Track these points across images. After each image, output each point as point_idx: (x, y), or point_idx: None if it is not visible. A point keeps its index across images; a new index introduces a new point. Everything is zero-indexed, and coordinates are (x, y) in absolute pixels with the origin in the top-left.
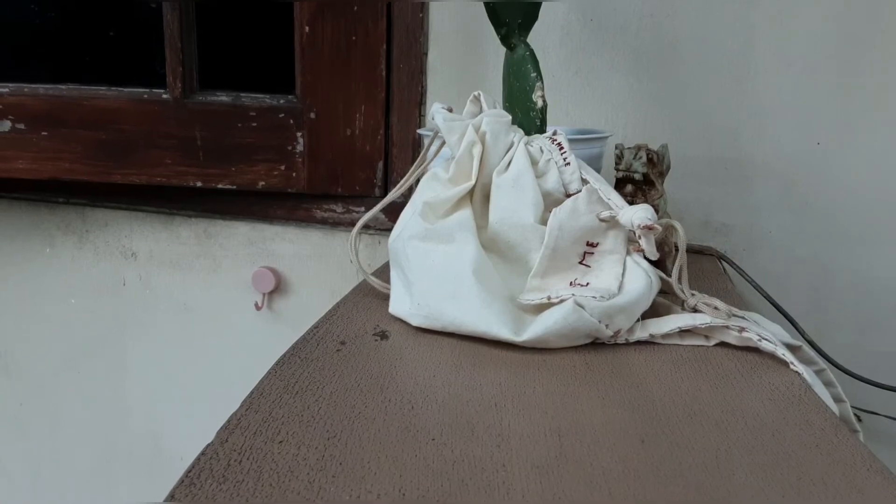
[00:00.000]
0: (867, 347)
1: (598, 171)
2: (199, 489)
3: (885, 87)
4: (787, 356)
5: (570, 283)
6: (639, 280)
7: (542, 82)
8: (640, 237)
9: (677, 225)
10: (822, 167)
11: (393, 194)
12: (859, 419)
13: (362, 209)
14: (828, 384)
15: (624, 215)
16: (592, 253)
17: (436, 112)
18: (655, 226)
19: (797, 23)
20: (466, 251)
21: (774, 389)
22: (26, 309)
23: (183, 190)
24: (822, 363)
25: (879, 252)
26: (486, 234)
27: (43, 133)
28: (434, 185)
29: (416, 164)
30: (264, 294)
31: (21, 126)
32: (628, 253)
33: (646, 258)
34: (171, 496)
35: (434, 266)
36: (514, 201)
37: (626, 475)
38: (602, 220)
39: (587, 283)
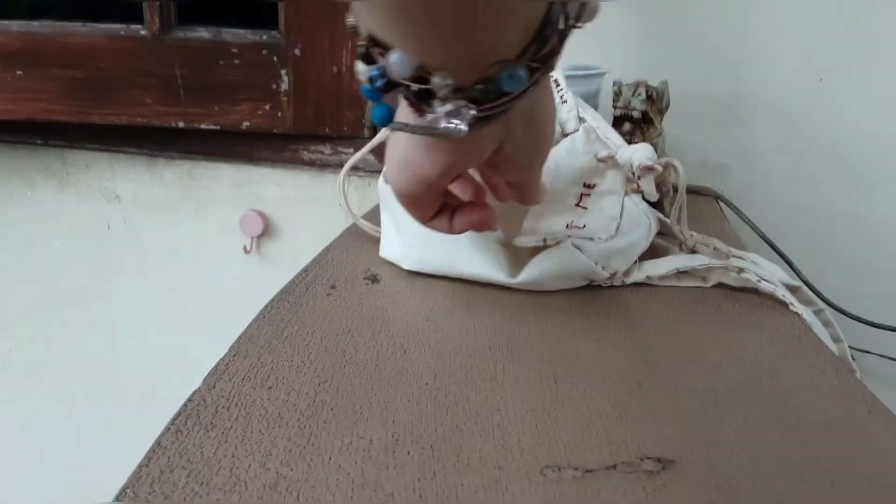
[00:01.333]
0: (863, 289)
1: (594, 108)
2: (185, 436)
3: (892, 20)
4: (787, 297)
5: (567, 226)
6: (637, 222)
7: None
8: (639, 178)
9: (677, 164)
10: (824, 105)
11: (382, 135)
12: (853, 358)
13: (351, 150)
14: (826, 324)
15: (623, 155)
16: (589, 194)
17: None
18: (655, 166)
19: None
20: None
21: (773, 330)
22: (9, 254)
23: (165, 130)
24: (821, 304)
25: (878, 193)
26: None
27: (18, 72)
28: None
29: None
30: (252, 237)
31: None
32: (626, 194)
33: (644, 199)
34: (158, 444)
35: None
36: None
37: (622, 418)
38: (600, 161)
39: (584, 226)
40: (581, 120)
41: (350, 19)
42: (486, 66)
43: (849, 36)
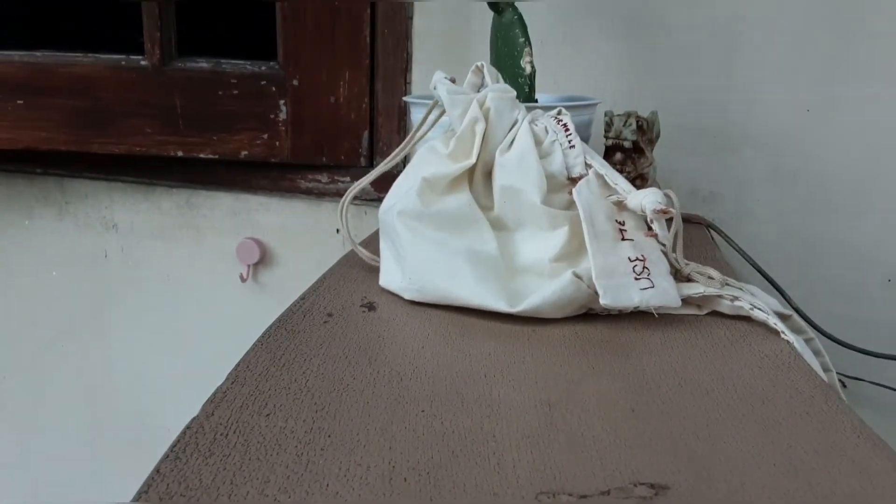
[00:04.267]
0: (852, 315)
1: (586, 139)
2: (184, 464)
3: (876, 53)
4: (779, 325)
5: (630, 259)
6: None
7: (531, 48)
8: (652, 221)
9: (672, 194)
10: (811, 135)
11: (384, 166)
12: (844, 385)
13: (347, 179)
14: (816, 353)
15: (632, 200)
16: (626, 230)
17: (438, 82)
18: (670, 209)
19: None
20: (462, 241)
21: (764, 357)
22: (6, 282)
23: (163, 160)
24: (811, 332)
25: (864, 221)
26: (492, 215)
27: (18, 101)
28: (433, 159)
29: (410, 135)
30: (249, 266)
31: None
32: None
33: (658, 242)
34: (157, 471)
35: (427, 247)
36: (518, 181)
37: (616, 445)
38: (613, 204)
39: (643, 257)
40: (588, 166)
41: None
42: None
43: (834, 68)
